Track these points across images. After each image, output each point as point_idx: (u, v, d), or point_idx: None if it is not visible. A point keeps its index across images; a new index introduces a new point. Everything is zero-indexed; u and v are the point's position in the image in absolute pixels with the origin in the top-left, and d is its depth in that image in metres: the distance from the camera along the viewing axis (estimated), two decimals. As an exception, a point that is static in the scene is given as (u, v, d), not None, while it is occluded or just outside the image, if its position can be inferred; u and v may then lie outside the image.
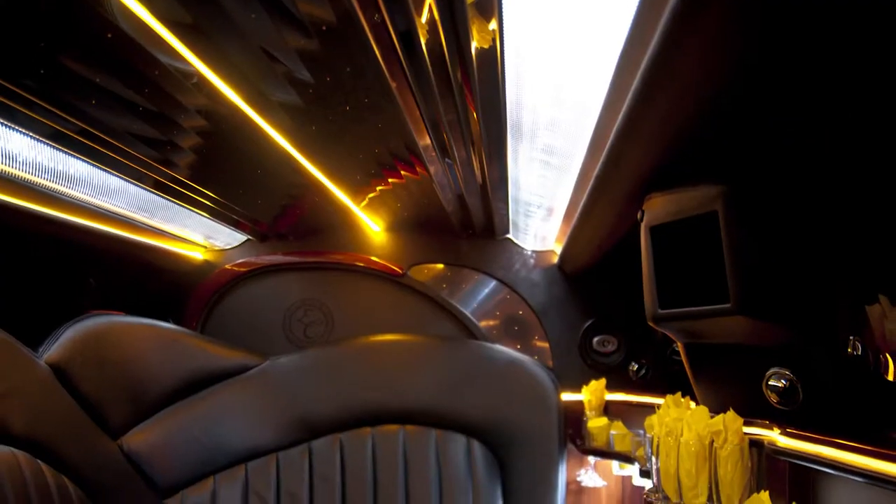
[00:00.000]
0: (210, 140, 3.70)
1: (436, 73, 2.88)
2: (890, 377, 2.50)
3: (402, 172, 4.40)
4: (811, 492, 2.86)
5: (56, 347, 4.70)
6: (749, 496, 2.66)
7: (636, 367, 5.74)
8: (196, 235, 5.83)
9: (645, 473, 4.13)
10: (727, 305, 2.86)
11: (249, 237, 6.07)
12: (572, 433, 5.50)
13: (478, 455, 5.25)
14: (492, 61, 2.73)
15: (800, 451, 2.66)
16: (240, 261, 6.11)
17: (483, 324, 5.96)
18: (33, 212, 4.23)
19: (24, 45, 2.69)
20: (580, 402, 5.54)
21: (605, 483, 5.65)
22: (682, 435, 3.09)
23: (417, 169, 4.27)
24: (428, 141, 3.63)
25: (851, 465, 2.36)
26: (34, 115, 3.23)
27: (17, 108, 3.14)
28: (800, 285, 2.78)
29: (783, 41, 1.94)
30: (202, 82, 3.05)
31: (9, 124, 3.38)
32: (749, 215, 2.80)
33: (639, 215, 3.39)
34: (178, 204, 4.81)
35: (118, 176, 4.17)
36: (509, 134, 3.48)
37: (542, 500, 5.18)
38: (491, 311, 6.00)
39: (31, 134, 3.49)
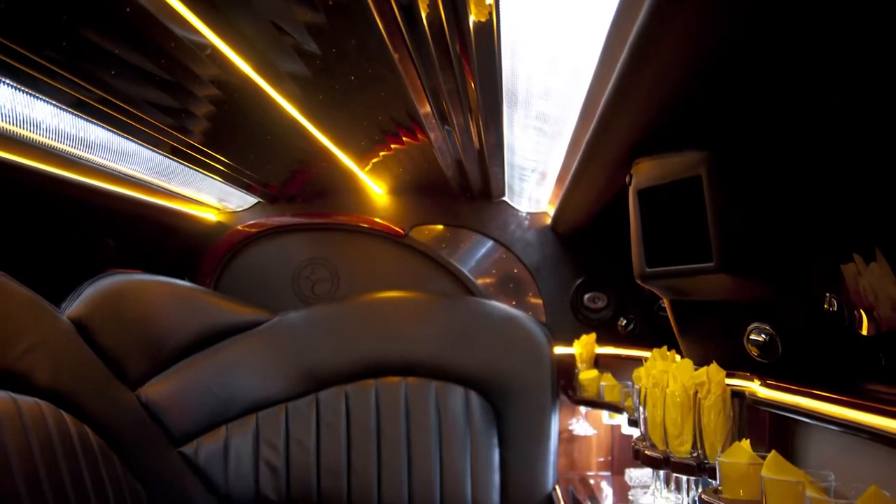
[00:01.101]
0: (222, 108, 3.70)
1: (436, 45, 2.87)
2: (864, 332, 2.50)
3: (404, 139, 4.40)
4: (790, 439, 2.88)
5: (77, 304, 4.72)
6: (731, 444, 2.67)
7: (625, 322, 5.75)
8: (209, 198, 5.83)
9: (633, 422, 4.14)
10: (710, 264, 2.87)
11: (260, 200, 6.07)
12: (564, 384, 5.51)
13: (475, 405, 5.28)
14: (488, 33, 2.72)
15: (779, 402, 2.67)
16: (251, 222, 6.12)
17: (480, 281, 5.97)
18: (56, 176, 4.24)
19: (48, 19, 2.69)
20: (572, 356, 5.55)
21: (595, 431, 5.65)
22: (667, 386, 3.10)
23: (418, 135, 4.28)
24: (428, 109, 3.63)
25: (827, 415, 2.37)
26: (57, 85, 3.24)
27: (41, 77, 3.15)
28: (779, 245, 2.79)
29: (763, 16, 1.95)
30: (215, 54, 3.05)
31: (33, 93, 3.38)
32: (731, 179, 2.81)
33: (627, 179, 3.39)
34: (192, 168, 4.81)
35: (136, 142, 4.17)
36: (505, 102, 3.48)
37: (535, 448, 5.20)
38: (488, 270, 6.00)
39: (54, 102, 3.50)
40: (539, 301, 5.93)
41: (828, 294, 2.67)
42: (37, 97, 3.44)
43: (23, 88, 3.33)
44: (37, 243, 4.69)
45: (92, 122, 3.80)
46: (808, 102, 2.45)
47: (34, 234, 4.65)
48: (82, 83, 3.24)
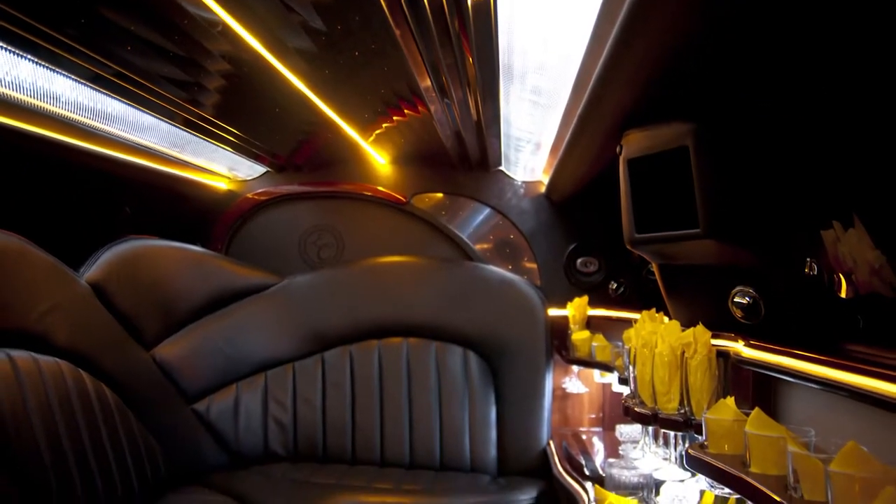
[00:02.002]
0: (233, 82, 3.71)
1: (436, 22, 2.88)
2: (842, 294, 2.51)
3: (406, 111, 4.40)
4: (772, 397, 2.89)
5: (95, 268, 4.75)
6: (716, 401, 2.68)
7: (615, 285, 5.76)
8: (220, 167, 5.84)
9: (623, 381, 4.15)
10: (697, 230, 2.87)
11: (268, 169, 6.08)
12: (558, 344, 5.52)
13: (473, 364, 5.30)
14: (486, 11, 2.73)
15: (762, 361, 2.68)
16: (260, 190, 6.13)
17: (478, 247, 5.98)
18: (75, 146, 4.26)
19: (67, -3, 2.71)
20: (565, 317, 5.56)
21: (587, 389, 5.66)
22: (656, 346, 3.11)
23: (419, 108, 4.28)
24: (428, 83, 3.63)
25: (808, 374, 2.38)
26: (75, 60, 3.25)
27: (61, 53, 3.16)
28: (762, 212, 2.80)
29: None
30: (226, 30, 3.05)
31: (53, 68, 3.39)
32: (716, 150, 2.82)
33: (618, 149, 3.40)
34: (204, 139, 4.82)
35: (151, 114, 4.18)
36: (501, 76, 3.48)
37: (531, 404, 5.22)
38: (485, 236, 6.01)
39: (72, 77, 3.51)
40: (534, 265, 5.95)
41: (808, 259, 2.68)
42: (56, 72, 3.45)
43: (43, 63, 3.35)
44: (57, 210, 4.70)
45: (109, 96, 3.81)
46: (790, 77, 2.45)
47: (54, 202, 4.66)
48: (100, 58, 3.25)
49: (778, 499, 2.04)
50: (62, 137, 4.11)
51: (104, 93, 3.76)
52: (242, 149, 5.25)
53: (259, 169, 6.06)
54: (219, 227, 6.13)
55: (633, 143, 3.28)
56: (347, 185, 6.07)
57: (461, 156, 5.52)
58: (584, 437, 5.43)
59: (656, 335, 3.16)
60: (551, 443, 5.12)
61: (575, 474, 4.13)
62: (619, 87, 2.85)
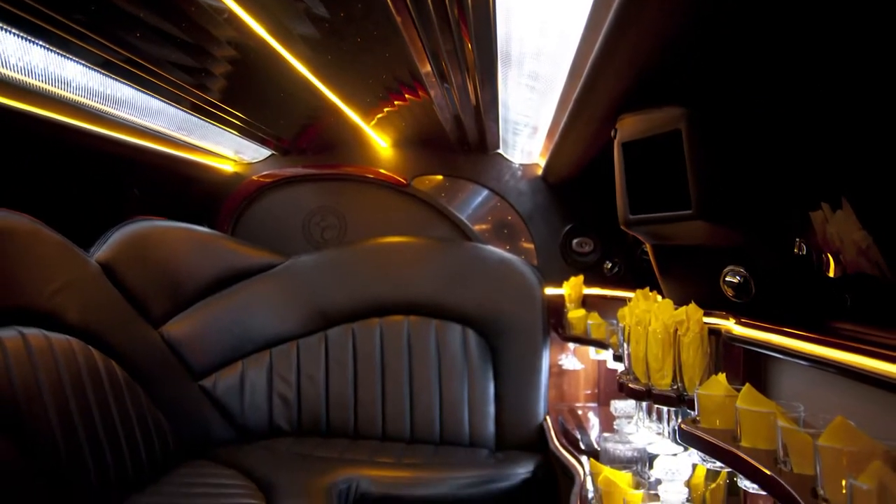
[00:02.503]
0: (239, 68, 3.71)
1: (435, 9, 2.88)
2: (830, 274, 2.52)
3: (406, 96, 4.40)
4: (762, 373, 2.90)
5: (105, 248, 4.76)
6: (708, 378, 2.69)
7: (610, 265, 5.76)
8: (227, 150, 5.84)
9: (617, 358, 4.16)
10: (689, 211, 2.88)
11: (273, 152, 6.08)
12: (554, 322, 5.54)
13: (472, 341, 5.32)
14: (485, -1, 2.73)
15: (752, 339, 2.69)
16: (265, 173, 6.12)
17: (477, 227, 5.98)
18: (86, 130, 4.26)
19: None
20: (561, 296, 5.57)
21: (583, 366, 5.67)
22: (650, 324, 3.12)
23: (419, 93, 4.28)
24: (429, 68, 3.63)
25: (797, 351, 2.39)
26: (86, 46, 3.25)
27: (71, 39, 3.17)
28: (752, 194, 2.80)
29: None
30: (232, 17, 3.05)
31: (64, 54, 3.40)
32: (708, 133, 2.82)
33: (612, 133, 3.40)
34: (211, 123, 4.82)
35: (159, 99, 4.18)
36: (499, 62, 3.48)
37: (528, 380, 5.24)
38: (483, 217, 6.01)
39: (83, 62, 3.52)
40: (531, 246, 5.95)
41: (797, 239, 2.69)
42: (67, 58, 3.46)
43: (54, 49, 3.35)
44: (67, 193, 4.71)
45: (118, 81, 3.82)
46: (781, 64, 2.46)
47: (65, 184, 4.67)
48: (109, 44, 3.25)
49: (768, 472, 2.05)
50: (73, 121, 4.11)
51: (114, 78, 3.76)
52: (248, 132, 5.25)
53: (264, 152, 6.06)
54: (225, 209, 6.13)
55: (628, 127, 3.28)
56: (350, 168, 6.06)
57: (460, 139, 5.51)
58: (579, 412, 5.44)
59: (650, 313, 3.16)
60: (548, 418, 5.14)
61: (571, 448, 4.15)
62: (613, 73, 2.85)
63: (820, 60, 2.30)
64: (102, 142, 4.49)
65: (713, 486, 2.74)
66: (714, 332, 2.98)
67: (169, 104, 4.32)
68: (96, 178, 4.93)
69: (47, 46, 3.30)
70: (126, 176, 5.27)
